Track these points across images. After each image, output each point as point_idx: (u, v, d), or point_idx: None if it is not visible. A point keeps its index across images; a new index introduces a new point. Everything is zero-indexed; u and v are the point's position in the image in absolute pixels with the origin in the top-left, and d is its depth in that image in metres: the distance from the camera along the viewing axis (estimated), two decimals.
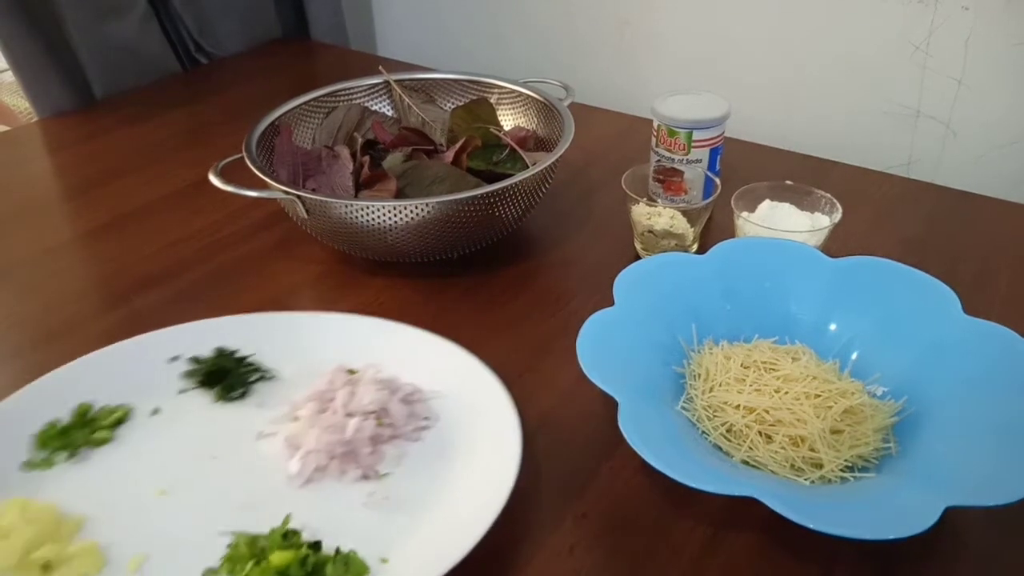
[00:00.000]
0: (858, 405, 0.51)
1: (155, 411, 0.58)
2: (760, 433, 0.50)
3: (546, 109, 0.79)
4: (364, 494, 0.51)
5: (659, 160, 0.76)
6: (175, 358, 0.61)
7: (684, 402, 0.53)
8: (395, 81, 0.85)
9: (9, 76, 1.21)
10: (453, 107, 0.84)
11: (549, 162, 0.68)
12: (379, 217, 0.64)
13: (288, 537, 0.47)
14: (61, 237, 0.80)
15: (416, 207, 0.63)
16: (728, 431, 0.51)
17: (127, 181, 0.89)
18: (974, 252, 0.73)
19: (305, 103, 0.81)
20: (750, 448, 0.50)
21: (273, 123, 0.76)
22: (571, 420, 0.56)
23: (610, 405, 0.47)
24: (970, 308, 0.53)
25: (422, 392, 0.57)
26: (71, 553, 0.47)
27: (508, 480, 0.48)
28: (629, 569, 0.46)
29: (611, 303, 0.55)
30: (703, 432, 0.51)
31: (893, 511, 0.43)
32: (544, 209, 0.79)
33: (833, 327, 0.58)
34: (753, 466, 0.49)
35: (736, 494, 0.42)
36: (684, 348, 0.57)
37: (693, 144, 0.73)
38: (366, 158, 0.73)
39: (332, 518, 0.49)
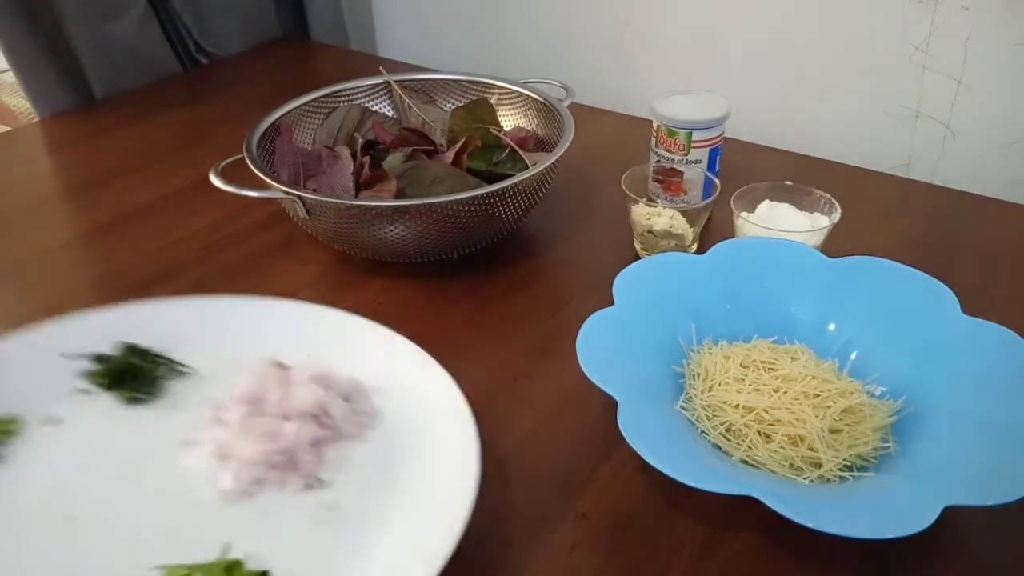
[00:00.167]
0: (857, 405, 0.51)
1: (51, 420, 0.50)
2: (759, 432, 0.50)
3: (546, 109, 0.79)
4: (310, 506, 0.45)
5: (659, 160, 0.76)
6: (72, 356, 0.53)
7: (683, 402, 0.53)
8: (395, 81, 0.85)
9: (9, 76, 1.21)
10: (453, 107, 0.84)
11: (549, 162, 0.68)
12: (379, 217, 0.64)
13: (232, 571, 0.40)
14: (61, 237, 0.80)
15: (416, 207, 0.63)
16: (727, 430, 0.51)
17: (127, 181, 0.89)
18: (974, 252, 0.73)
19: (305, 103, 0.81)
20: (749, 447, 0.50)
21: (274, 123, 0.76)
22: (571, 420, 0.56)
23: (610, 405, 0.47)
24: (969, 308, 0.53)
25: (362, 387, 0.52)
26: None
27: (470, 483, 0.44)
28: (629, 569, 0.46)
29: (611, 303, 0.55)
30: (702, 431, 0.51)
31: (892, 510, 0.43)
32: (544, 209, 0.79)
33: (832, 327, 0.58)
34: (752, 465, 0.49)
35: (735, 493, 0.42)
36: (683, 348, 0.57)
37: (693, 144, 0.73)
38: (366, 158, 0.73)
39: (276, 539, 0.43)
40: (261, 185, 0.67)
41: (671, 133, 0.74)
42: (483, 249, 0.71)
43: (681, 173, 0.75)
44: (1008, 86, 0.85)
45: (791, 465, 0.49)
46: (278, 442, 0.47)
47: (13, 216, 0.83)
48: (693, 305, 0.58)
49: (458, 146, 0.74)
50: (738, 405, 0.51)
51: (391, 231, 0.65)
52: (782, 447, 0.49)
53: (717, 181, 0.71)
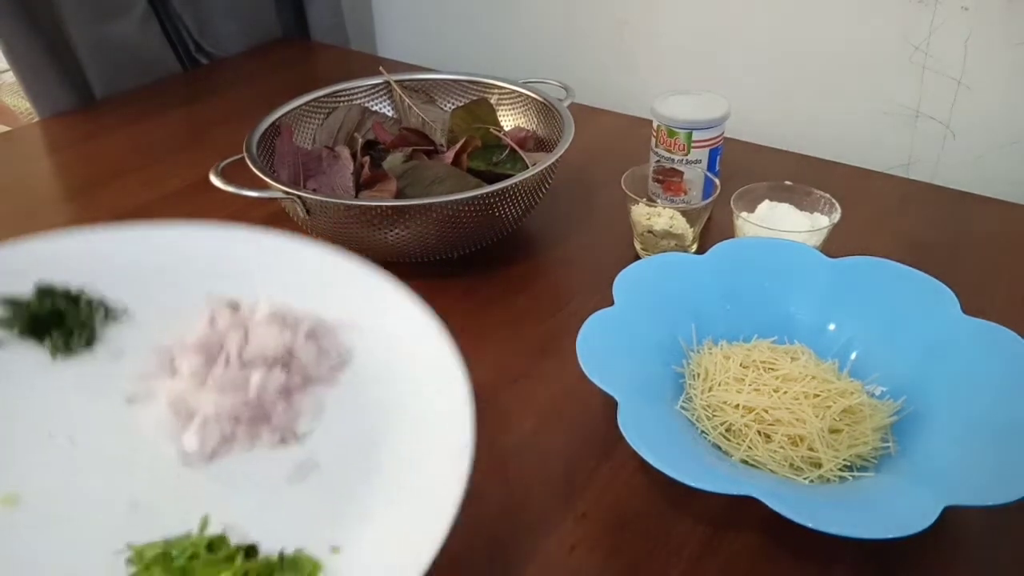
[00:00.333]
0: (857, 405, 0.51)
1: None
2: (759, 432, 0.50)
3: (546, 109, 0.79)
4: (287, 465, 0.40)
5: (659, 160, 0.76)
6: None
7: (683, 401, 0.53)
8: (395, 81, 0.85)
9: (9, 76, 1.21)
10: (453, 107, 0.84)
11: (549, 162, 0.68)
12: (379, 217, 0.64)
13: (215, 548, 0.35)
14: None
15: (416, 207, 0.63)
16: (727, 430, 0.51)
17: (127, 181, 0.89)
18: (974, 252, 0.73)
19: (305, 103, 0.81)
20: (749, 447, 0.50)
21: (274, 123, 0.76)
22: (571, 420, 0.56)
23: (610, 405, 0.47)
24: (969, 308, 0.53)
25: (326, 323, 0.46)
26: None
27: (464, 429, 0.39)
28: (629, 569, 0.46)
29: (611, 303, 0.55)
30: (702, 431, 0.51)
31: (892, 510, 0.43)
32: (544, 209, 0.79)
33: (832, 327, 0.58)
34: (752, 465, 0.49)
35: (735, 493, 0.42)
36: (683, 348, 0.57)
37: (693, 144, 0.73)
38: (366, 158, 0.73)
39: (253, 505, 0.38)
40: (261, 185, 0.67)
41: (671, 133, 0.74)
42: (483, 249, 0.71)
43: (681, 173, 0.75)
44: (1008, 86, 0.85)
45: (791, 465, 0.49)
46: (243, 393, 0.41)
47: (13, 216, 0.83)
48: (693, 305, 0.58)
49: (458, 146, 0.74)
50: (738, 405, 0.51)
51: (391, 231, 0.65)
52: (782, 447, 0.49)
53: (717, 181, 0.71)
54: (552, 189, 0.74)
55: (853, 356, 0.56)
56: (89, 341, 0.45)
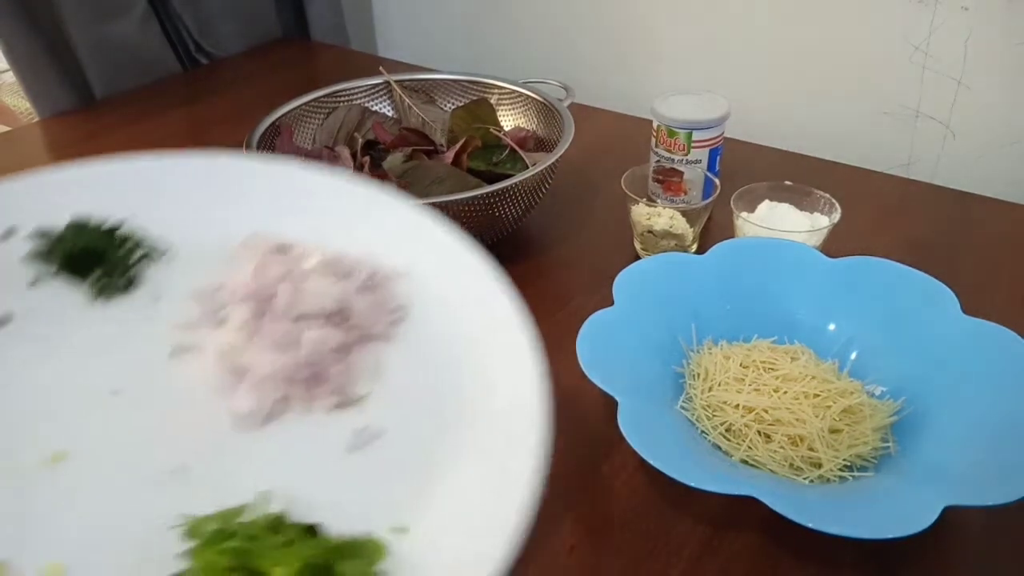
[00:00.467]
0: (857, 405, 0.51)
1: (3, 320, 0.39)
2: (759, 432, 0.50)
3: (546, 109, 0.79)
4: (345, 432, 0.36)
5: (659, 160, 0.76)
6: (9, 232, 0.42)
7: (683, 402, 0.53)
8: (395, 81, 0.85)
9: (9, 76, 1.21)
10: (453, 107, 0.84)
11: (549, 162, 0.68)
12: None
13: (278, 528, 0.31)
14: None
15: None
16: (727, 430, 0.51)
17: None
18: (974, 252, 0.73)
19: (306, 103, 0.81)
20: (749, 447, 0.50)
21: (274, 123, 0.76)
22: (571, 420, 0.56)
23: (610, 405, 0.47)
24: (969, 308, 0.53)
25: (382, 272, 0.42)
26: None
27: (538, 389, 0.35)
28: (629, 569, 0.46)
29: (611, 303, 0.55)
30: (702, 432, 0.51)
31: (892, 510, 0.43)
32: (544, 209, 0.79)
33: (832, 327, 0.58)
34: (752, 465, 0.49)
35: (735, 493, 0.42)
36: (683, 348, 0.57)
37: (693, 144, 0.73)
38: (366, 158, 0.73)
39: (310, 476, 0.34)
40: None
41: (671, 133, 0.74)
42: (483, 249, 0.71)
43: (681, 173, 0.75)
44: (1008, 86, 0.85)
45: (791, 465, 0.49)
46: (297, 351, 0.37)
47: None
48: (693, 305, 0.58)
49: (458, 146, 0.74)
50: (738, 405, 0.51)
51: None
52: (782, 447, 0.49)
53: (717, 181, 0.71)
54: (552, 189, 0.74)
55: (853, 356, 0.56)
56: (129, 283, 0.41)
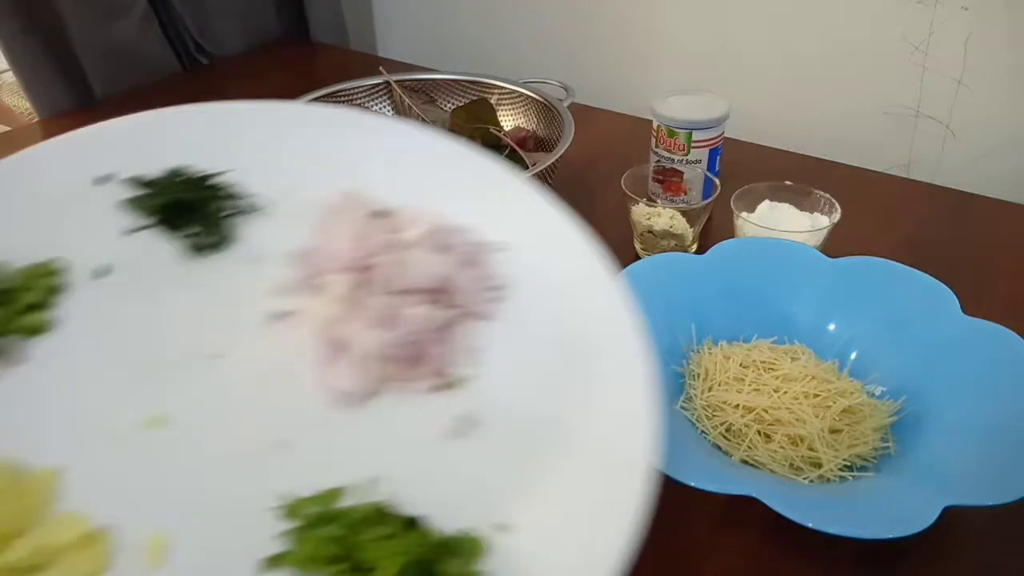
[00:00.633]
0: (857, 405, 0.51)
1: (102, 271, 0.37)
2: (759, 432, 0.50)
3: (546, 109, 0.79)
4: (444, 418, 0.34)
5: (659, 160, 0.76)
6: (106, 178, 0.40)
7: (683, 401, 0.53)
8: (395, 82, 0.85)
9: (9, 76, 1.21)
10: (453, 107, 0.84)
11: (549, 162, 0.68)
12: None
13: (382, 520, 0.29)
14: None
15: None
16: (727, 430, 0.51)
17: None
18: (974, 252, 0.73)
19: (305, 104, 0.81)
20: (749, 447, 0.50)
21: None
22: None
23: None
24: (969, 308, 0.53)
25: (483, 245, 0.39)
26: (60, 544, 0.28)
27: (648, 374, 0.34)
28: (629, 569, 0.46)
29: None
30: (702, 432, 0.51)
31: (892, 510, 0.43)
32: None
33: (832, 327, 0.58)
34: (752, 465, 0.49)
35: (735, 493, 0.42)
36: (684, 348, 0.57)
37: (693, 144, 0.73)
38: None
39: (409, 463, 0.32)
40: None
41: (671, 133, 0.74)
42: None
43: (681, 173, 0.75)
44: (1008, 86, 0.85)
45: (791, 465, 0.49)
46: (398, 327, 0.35)
47: None
48: (693, 305, 0.58)
49: None
50: (738, 405, 0.51)
51: None
52: (782, 447, 0.49)
53: (717, 181, 0.71)
54: (552, 189, 0.73)
55: (853, 356, 0.56)
56: (222, 240, 0.38)
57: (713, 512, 0.49)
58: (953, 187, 0.84)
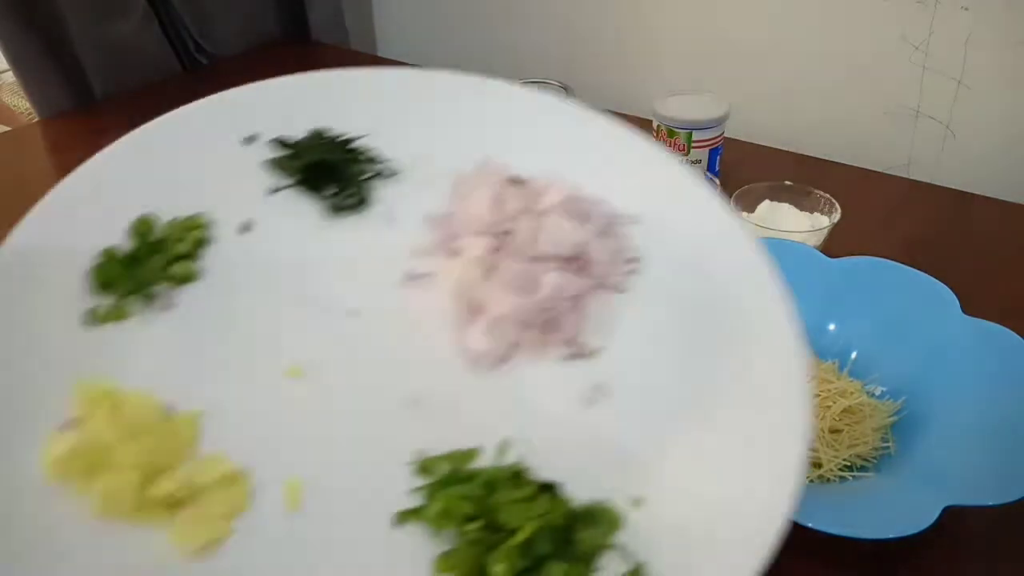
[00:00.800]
0: (857, 405, 0.51)
1: (246, 226, 0.38)
2: None
3: None
4: (579, 387, 0.33)
5: None
6: (252, 138, 0.42)
7: None
8: None
9: (9, 76, 1.21)
10: None
11: None
12: None
13: (519, 482, 0.29)
14: None
15: None
16: None
17: None
18: (974, 252, 0.73)
19: None
20: None
21: None
22: None
23: None
24: (969, 308, 0.53)
25: (619, 216, 0.39)
26: (204, 482, 0.30)
27: (794, 353, 0.33)
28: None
29: None
30: None
31: (892, 510, 0.43)
32: None
33: (832, 327, 0.58)
34: None
35: None
36: None
37: (693, 144, 0.73)
38: None
39: (544, 429, 0.32)
40: None
41: (671, 133, 0.74)
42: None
43: None
44: (1008, 86, 0.85)
45: None
46: (535, 294, 0.35)
47: (13, 216, 0.83)
48: None
49: None
50: None
51: None
52: None
53: (717, 181, 0.71)
54: None
55: (853, 356, 0.56)
56: (361, 201, 0.39)
57: None
58: (953, 187, 0.84)
